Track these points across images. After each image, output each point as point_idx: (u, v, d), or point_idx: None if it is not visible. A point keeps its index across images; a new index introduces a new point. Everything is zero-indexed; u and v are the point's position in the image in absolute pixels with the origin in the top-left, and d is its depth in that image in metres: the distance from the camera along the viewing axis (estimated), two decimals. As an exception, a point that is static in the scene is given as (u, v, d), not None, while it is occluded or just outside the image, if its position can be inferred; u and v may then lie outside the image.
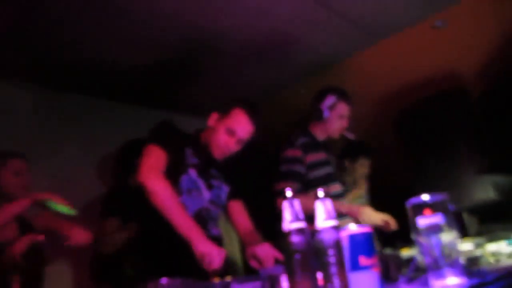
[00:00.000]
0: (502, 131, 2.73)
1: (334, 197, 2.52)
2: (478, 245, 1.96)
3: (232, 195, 2.10)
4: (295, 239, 0.94)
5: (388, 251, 1.96)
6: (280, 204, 2.13)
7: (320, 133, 2.58)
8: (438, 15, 2.84)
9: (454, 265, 1.01)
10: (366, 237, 0.86)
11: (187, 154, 1.92)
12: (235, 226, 2.09)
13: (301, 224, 0.96)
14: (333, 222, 1.04)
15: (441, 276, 1.00)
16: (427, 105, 2.95)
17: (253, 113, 1.94)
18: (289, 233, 0.95)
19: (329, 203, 1.06)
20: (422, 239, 1.03)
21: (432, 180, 2.82)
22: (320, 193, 1.06)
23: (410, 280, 1.18)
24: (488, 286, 0.97)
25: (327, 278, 0.99)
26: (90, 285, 2.64)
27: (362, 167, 3.19)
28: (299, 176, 2.39)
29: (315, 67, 3.37)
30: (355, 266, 0.84)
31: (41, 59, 2.72)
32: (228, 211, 2.10)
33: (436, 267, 1.00)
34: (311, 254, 0.93)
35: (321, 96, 2.57)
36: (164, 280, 1.19)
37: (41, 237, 2.07)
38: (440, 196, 1.05)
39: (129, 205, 2.25)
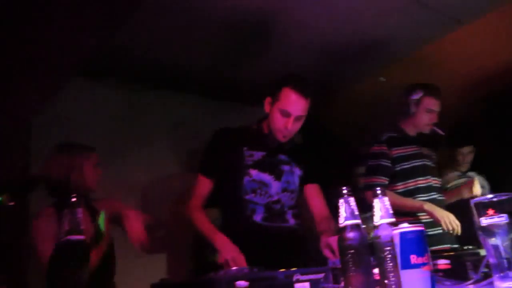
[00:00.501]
0: None
1: (425, 189, 2.55)
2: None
3: (307, 179, 2.11)
4: (350, 235, 0.97)
5: (469, 248, 1.89)
6: (370, 197, 2.20)
7: (410, 128, 2.64)
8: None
9: (521, 267, 0.97)
10: (417, 235, 0.87)
11: (244, 154, 1.98)
12: (311, 210, 2.11)
13: (357, 221, 0.99)
14: (390, 219, 1.06)
15: (506, 278, 0.97)
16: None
17: (302, 87, 1.92)
18: (344, 228, 0.99)
19: (387, 200, 1.08)
20: (486, 240, 1.00)
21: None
22: (378, 191, 1.08)
23: (478, 281, 1.14)
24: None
25: (383, 274, 1.01)
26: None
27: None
28: (385, 169, 2.51)
29: (394, 56, 3.25)
30: (406, 264, 0.86)
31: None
32: (304, 195, 2.12)
33: (501, 268, 0.97)
34: (365, 250, 0.96)
35: (407, 91, 2.63)
36: (233, 269, 1.30)
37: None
38: (506, 195, 1.01)
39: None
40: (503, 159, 2.94)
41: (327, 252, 1.79)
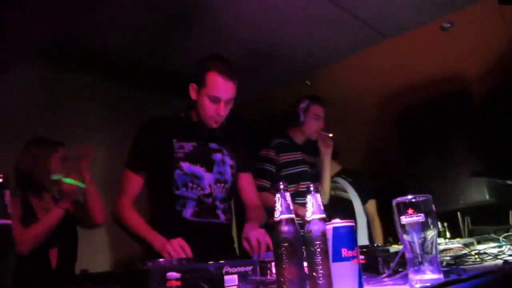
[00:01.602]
0: (501, 135, 2.78)
1: (303, 193, 2.69)
2: (467, 245, 2.04)
3: (240, 168, 2.08)
4: (284, 228, 1.01)
5: (378, 245, 2.05)
6: (262, 197, 2.29)
7: (298, 136, 2.90)
8: (446, 18, 2.86)
9: (433, 262, 1.07)
10: (349, 230, 0.93)
11: (174, 146, 1.90)
12: (243, 200, 2.10)
13: (291, 215, 1.03)
14: (321, 215, 1.12)
15: (419, 272, 1.07)
16: (430, 105, 3.02)
17: (228, 70, 1.87)
18: (279, 222, 1.02)
19: (319, 196, 1.14)
20: (404, 236, 1.10)
21: (428, 180, 2.89)
22: (310, 187, 1.13)
23: (392, 274, 1.25)
24: (463, 283, 1.04)
25: (312, 267, 1.06)
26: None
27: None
28: (270, 174, 2.71)
29: (319, 63, 3.41)
30: (337, 257, 0.91)
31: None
32: (237, 184, 2.08)
33: (416, 263, 1.07)
34: (299, 244, 1.00)
35: (296, 101, 2.91)
36: (161, 260, 1.28)
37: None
38: (424, 197, 1.11)
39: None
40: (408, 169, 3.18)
41: (245, 245, 1.77)
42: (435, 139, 2.96)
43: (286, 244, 0.99)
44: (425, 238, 1.08)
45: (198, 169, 1.91)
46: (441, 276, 1.07)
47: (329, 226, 0.94)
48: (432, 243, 1.08)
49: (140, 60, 3.16)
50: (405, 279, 1.14)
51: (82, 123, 3.06)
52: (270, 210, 1.16)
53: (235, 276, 1.19)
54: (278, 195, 1.04)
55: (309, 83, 3.65)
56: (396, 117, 3.22)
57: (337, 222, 0.95)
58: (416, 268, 1.07)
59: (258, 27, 2.90)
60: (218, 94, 1.86)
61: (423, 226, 1.08)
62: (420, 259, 1.07)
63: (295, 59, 3.33)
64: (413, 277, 1.08)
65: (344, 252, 0.90)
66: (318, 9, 2.74)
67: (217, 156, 1.98)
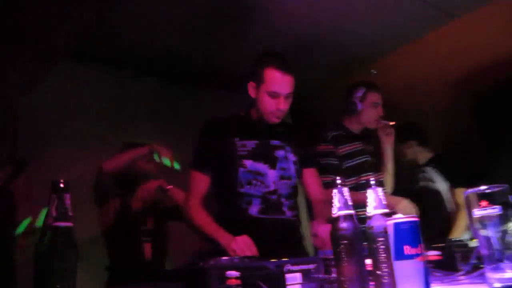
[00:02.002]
0: None
1: (365, 185, 2.56)
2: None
3: (303, 163, 2.06)
4: (343, 225, 0.96)
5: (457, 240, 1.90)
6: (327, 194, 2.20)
7: (354, 126, 2.72)
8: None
9: (512, 258, 0.97)
10: (411, 226, 0.86)
11: (237, 145, 1.92)
12: (308, 196, 2.09)
13: (350, 211, 0.98)
14: (383, 210, 1.05)
15: (498, 269, 0.97)
16: (506, 88, 2.76)
17: (284, 64, 1.87)
18: (337, 219, 0.98)
19: (380, 191, 1.07)
20: (479, 231, 1.00)
21: (507, 168, 2.65)
22: (371, 180, 1.07)
23: (469, 272, 1.15)
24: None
25: (376, 264, 1.01)
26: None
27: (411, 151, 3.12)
28: (333, 168, 2.54)
29: (385, 49, 3.26)
30: (400, 255, 0.85)
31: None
32: (301, 180, 2.06)
33: (493, 260, 0.98)
34: (358, 241, 0.95)
35: (350, 89, 2.72)
36: (224, 258, 1.28)
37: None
38: (499, 187, 1.01)
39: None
40: (490, 154, 2.96)
41: (315, 241, 1.73)
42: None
43: (345, 241, 0.95)
44: (503, 232, 0.98)
45: (262, 166, 1.92)
46: (524, 274, 0.96)
47: (390, 222, 0.88)
48: (510, 238, 0.98)
49: (194, 60, 3.23)
50: (483, 277, 1.05)
51: (145, 124, 3.19)
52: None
53: (298, 274, 1.17)
54: (335, 191, 1.00)
55: (375, 72, 3.51)
56: (471, 102, 2.99)
57: (399, 217, 0.88)
58: (494, 265, 0.98)
59: (314, 18, 2.84)
60: (277, 89, 1.86)
61: (501, 219, 0.98)
62: (498, 255, 0.98)
63: (355, 48, 3.22)
64: (491, 275, 0.98)
65: (407, 249, 0.84)
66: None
67: (280, 153, 1.97)
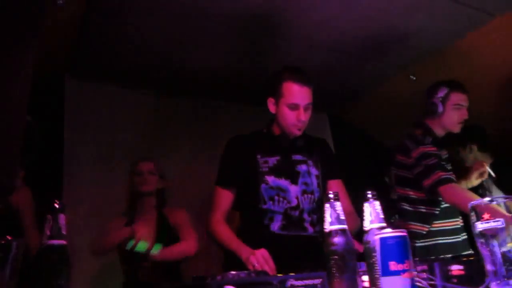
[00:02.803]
0: None
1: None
2: None
3: (328, 175, 2.06)
4: (334, 240, 0.95)
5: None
6: (447, 192, 2.11)
7: (438, 129, 2.48)
8: None
9: (520, 275, 0.91)
10: (397, 241, 0.83)
11: (259, 161, 1.95)
12: None
13: (342, 226, 0.97)
14: (380, 224, 1.03)
15: (504, 286, 0.91)
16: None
17: (301, 76, 1.92)
18: (329, 233, 0.97)
19: (377, 204, 1.05)
20: (483, 245, 0.95)
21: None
22: (368, 194, 1.05)
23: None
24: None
25: (372, 280, 0.98)
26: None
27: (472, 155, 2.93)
28: (444, 167, 2.29)
29: (423, 52, 3.14)
30: (386, 271, 0.83)
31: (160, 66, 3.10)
32: (327, 193, 2.04)
33: (498, 276, 0.92)
34: (350, 256, 0.93)
35: (432, 89, 2.49)
36: (233, 272, 1.30)
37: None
38: (505, 198, 0.95)
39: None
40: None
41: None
42: None
43: (336, 257, 0.94)
44: (509, 246, 0.92)
45: (283, 182, 1.94)
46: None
47: (377, 237, 0.86)
48: (517, 253, 0.92)
49: (232, 79, 3.29)
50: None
51: (182, 142, 3.31)
52: None
53: (302, 290, 1.16)
54: (327, 205, 0.99)
55: (414, 78, 3.40)
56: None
57: (386, 232, 0.86)
58: (499, 282, 0.92)
59: (345, 26, 2.80)
60: (296, 100, 1.91)
61: (506, 233, 0.92)
62: (504, 271, 0.92)
63: (391, 54, 3.13)
64: (497, 292, 0.92)
65: (393, 265, 0.81)
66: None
67: (302, 168, 1.99)
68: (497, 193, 2.88)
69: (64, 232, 0.88)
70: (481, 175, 2.55)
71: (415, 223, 2.39)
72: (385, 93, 3.55)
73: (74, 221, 2.39)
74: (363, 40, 2.97)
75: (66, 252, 0.87)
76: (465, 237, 2.45)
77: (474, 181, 2.55)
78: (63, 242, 0.87)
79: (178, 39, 2.77)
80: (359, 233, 1.79)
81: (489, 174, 2.58)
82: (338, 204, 0.99)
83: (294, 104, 1.90)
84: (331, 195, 0.99)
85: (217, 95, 3.52)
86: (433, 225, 2.39)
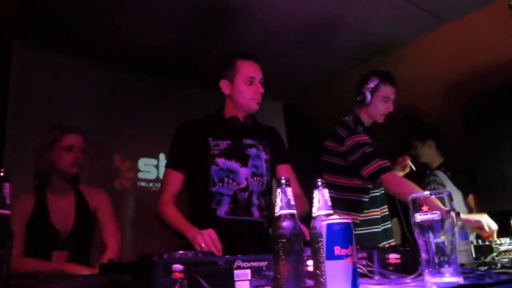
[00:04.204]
0: None
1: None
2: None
3: (277, 160, 2.10)
4: (283, 224, 0.98)
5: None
6: (389, 181, 2.15)
7: (364, 117, 2.53)
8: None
9: (452, 263, 0.98)
10: (343, 227, 0.88)
11: (210, 145, 1.97)
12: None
13: (291, 211, 1.00)
14: (327, 211, 1.07)
15: (437, 274, 0.98)
16: (498, 97, 2.74)
17: (251, 55, 2.06)
18: (278, 217, 0.99)
19: (326, 192, 1.09)
20: (419, 235, 1.01)
21: (491, 176, 2.64)
22: (318, 182, 1.09)
23: (419, 275, 1.16)
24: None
25: (316, 264, 1.03)
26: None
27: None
28: (380, 154, 2.30)
29: (376, 51, 3.25)
30: (330, 255, 0.87)
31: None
32: (276, 177, 2.07)
33: (432, 264, 0.99)
34: (297, 240, 0.97)
35: (363, 79, 2.53)
36: (180, 252, 1.30)
37: None
38: (442, 193, 1.02)
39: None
40: (480, 160, 2.94)
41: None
42: (500, 131, 2.69)
43: (283, 240, 0.96)
44: (441, 238, 0.99)
45: (233, 164, 1.95)
46: (460, 279, 0.97)
47: (324, 223, 0.90)
48: (451, 243, 0.99)
49: (184, 58, 3.25)
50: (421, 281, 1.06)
51: (131, 117, 3.25)
52: None
53: (248, 271, 1.18)
54: (278, 190, 1.01)
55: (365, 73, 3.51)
56: (461, 109, 2.98)
57: (333, 218, 0.90)
58: (432, 270, 0.99)
59: (302, 17, 2.84)
60: (253, 74, 2.01)
61: (441, 225, 0.99)
62: (437, 260, 0.99)
63: (346, 49, 3.22)
64: (429, 279, 0.99)
65: (337, 250, 0.85)
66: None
67: (252, 151, 2.02)
68: (451, 187, 3.04)
69: (8, 202, 0.84)
70: (403, 168, 2.69)
71: (348, 212, 2.40)
72: (339, 86, 3.64)
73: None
74: (318, 34, 3.03)
75: (9, 222, 0.84)
76: (386, 227, 2.56)
77: (398, 173, 2.66)
78: (7, 212, 0.84)
79: (131, 12, 2.69)
80: (307, 219, 1.88)
81: (410, 168, 2.72)
82: (289, 190, 1.01)
83: (252, 78, 2.00)
84: (283, 181, 1.01)
85: (169, 73, 3.46)
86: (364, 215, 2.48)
